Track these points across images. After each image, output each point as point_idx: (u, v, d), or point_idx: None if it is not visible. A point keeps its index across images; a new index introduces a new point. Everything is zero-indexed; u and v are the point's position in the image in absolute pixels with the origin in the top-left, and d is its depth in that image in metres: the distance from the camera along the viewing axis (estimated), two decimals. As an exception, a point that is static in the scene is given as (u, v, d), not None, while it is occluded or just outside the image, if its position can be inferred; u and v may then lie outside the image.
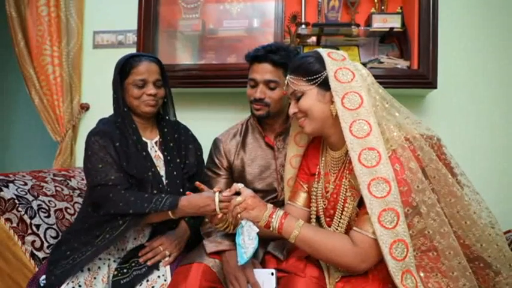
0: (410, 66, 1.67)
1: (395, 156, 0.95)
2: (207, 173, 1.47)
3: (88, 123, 2.07)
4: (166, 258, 1.26)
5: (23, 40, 2.02)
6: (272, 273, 1.09)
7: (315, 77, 1.02)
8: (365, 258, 0.94)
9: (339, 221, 1.07)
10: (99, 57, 2.08)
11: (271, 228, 1.01)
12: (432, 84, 1.60)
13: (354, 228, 0.97)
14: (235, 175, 1.44)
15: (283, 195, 1.30)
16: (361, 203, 0.97)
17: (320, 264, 1.09)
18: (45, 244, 1.33)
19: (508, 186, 1.74)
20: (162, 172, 1.35)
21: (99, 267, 1.21)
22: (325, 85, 1.01)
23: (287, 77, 1.08)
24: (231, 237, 1.23)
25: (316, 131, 1.07)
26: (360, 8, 1.83)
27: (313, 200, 1.15)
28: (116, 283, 1.18)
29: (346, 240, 0.96)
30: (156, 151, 1.39)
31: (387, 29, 1.71)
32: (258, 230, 1.02)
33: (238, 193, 1.06)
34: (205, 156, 1.54)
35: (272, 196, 1.40)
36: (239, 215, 1.03)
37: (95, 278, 1.18)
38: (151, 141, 1.40)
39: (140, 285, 1.19)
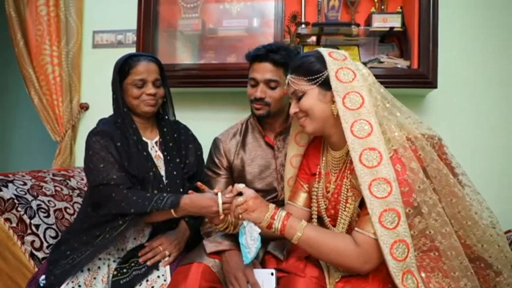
0: (411, 66, 1.66)
1: (397, 156, 0.95)
2: (207, 173, 1.47)
3: (87, 123, 2.07)
4: (166, 258, 1.26)
5: (22, 40, 2.01)
6: (272, 273, 1.09)
7: (316, 76, 1.01)
8: (368, 259, 0.94)
9: (341, 222, 1.07)
10: (99, 56, 2.08)
11: (273, 230, 1.01)
12: (432, 84, 1.60)
13: (356, 229, 0.97)
14: (235, 175, 1.44)
15: (283, 195, 1.30)
16: (362, 204, 0.97)
17: (320, 264, 1.09)
18: (45, 244, 1.33)
19: (508, 186, 1.74)
20: (163, 172, 1.35)
21: (98, 267, 1.21)
22: (326, 85, 1.01)
23: (288, 77, 1.08)
24: (231, 237, 1.23)
25: (317, 130, 1.06)
26: (360, 8, 1.83)
27: (314, 200, 1.15)
28: (116, 283, 1.18)
29: (349, 241, 0.96)
30: (156, 151, 1.38)
31: (387, 29, 1.71)
32: (259, 230, 1.02)
33: (240, 193, 1.05)
34: (205, 156, 1.54)
35: (272, 196, 1.40)
36: (240, 216, 1.02)
37: (94, 278, 1.18)
38: (152, 141, 1.39)
39: (140, 285, 1.19)
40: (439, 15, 1.60)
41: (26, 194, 1.37)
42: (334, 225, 1.09)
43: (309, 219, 1.17)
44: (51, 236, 1.36)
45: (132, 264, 1.23)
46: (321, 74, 1.01)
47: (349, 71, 1.00)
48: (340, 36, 1.82)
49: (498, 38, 1.77)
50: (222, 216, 1.09)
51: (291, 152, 1.25)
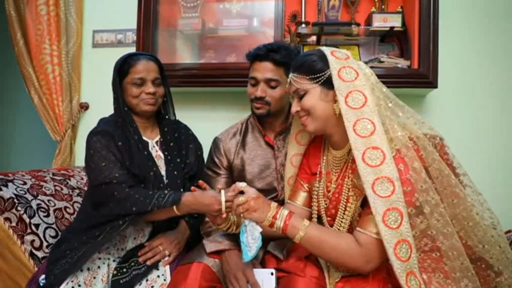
0: (411, 66, 1.66)
1: (400, 156, 0.95)
2: (207, 173, 1.47)
3: (87, 122, 2.07)
4: (166, 258, 1.26)
5: (22, 39, 2.01)
6: (272, 273, 1.09)
7: (318, 75, 1.01)
8: (370, 259, 0.94)
9: (341, 221, 1.06)
10: (99, 56, 2.08)
11: (274, 229, 1.00)
12: (432, 84, 1.60)
13: (358, 228, 0.97)
14: (235, 174, 1.44)
15: (284, 195, 1.29)
16: (364, 204, 0.97)
17: (320, 264, 1.09)
18: (45, 244, 1.33)
19: (508, 186, 1.74)
20: (163, 172, 1.35)
21: (98, 267, 1.21)
22: (328, 84, 1.00)
23: (290, 75, 1.08)
24: (231, 236, 1.23)
25: (318, 129, 1.06)
26: (360, 7, 1.83)
27: (314, 200, 1.15)
28: (116, 282, 1.18)
29: (351, 241, 0.96)
30: (157, 151, 1.38)
31: (387, 29, 1.71)
32: (261, 229, 1.01)
33: (242, 192, 1.05)
34: (205, 156, 1.54)
35: (272, 195, 1.40)
36: (242, 215, 1.02)
37: (94, 277, 1.18)
38: (152, 141, 1.39)
39: (140, 284, 1.19)
40: (440, 15, 1.60)
41: (25, 193, 1.37)
42: (333, 225, 1.09)
43: (309, 219, 1.17)
44: (51, 236, 1.36)
45: (132, 264, 1.23)
46: (323, 73, 1.01)
47: (351, 70, 1.00)
48: (341, 35, 1.82)
49: (498, 38, 1.77)
50: (224, 215, 1.08)
51: (291, 151, 1.24)
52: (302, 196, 1.19)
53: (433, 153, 0.95)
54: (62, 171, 1.68)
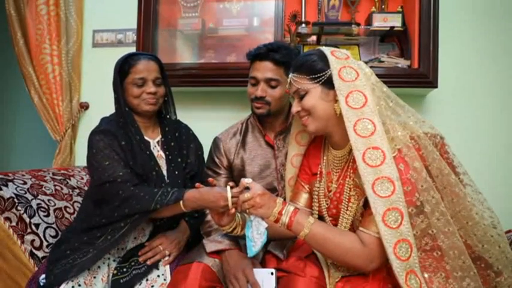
0: (411, 66, 1.66)
1: (400, 155, 0.95)
2: (207, 172, 1.47)
3: (87, 122, 2.07)
4: (166, 258, 1.26)
5: (22, 39, 2.01)
6: (272, 273, 1.09)
7: (318, 75, 1.01)
8: (373, 259, 0.94)
9: (343, 221, 1.06)
10: (99, 56, 2.08)
11: (280, 225, 1.00)
12: (433, 84, 1.60)
13: (361, 228, 0.97)
14: (235, 174, 1.44)
15: (284, 194, 1.29)
16: (367, 204, 0.97)
17: (320, 264, 1.09)
18: (45, 243, 1.33)
19: (508, 185, 1.74)
20: (164, 172, 1.35)
21: (98, 267, 1.21)
22: (328, 84, 1.00)
23: (290, 75, 1.08)
24: (231, 236, 1.23)
25: (319, 129, 1.06)
26: (360, 7, 1.83)
27: (315, 200, 1.15)
28: (116, 282, 1.18)
29: (355, 239, 0.96)
30: (158, 150, 1.38)
31: (387, 28, 1.71)
32: (266, 225, 1.02)
33: (248, 188, 1.04)
34: (206, 156, 1.53)
35: (272, 195, 1.40)
36: (247, 211, 1.02)
37: (94, 277, 1.18)
38: (154, 141, 1.39)
39: (140, 284, 1.19)
40: (440, 15, 1.60)
41: (26, 193, 1.37)
42: (336, 225, 1.09)
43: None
44: (51, 235, 1.36)
45: (132, 264, 1.23)
46: (323, 73, 1.01)
47: (352, 70, 1.00)
48: (341, 35, 1.82)
49: (498, 38, 1.77)
50: (232, 211, 1.06)
51: (291, 151, 1.24)
52: (304, 197, 1.19)
53: (434, 152, 0.95)
54: (62, 171, 1.68)
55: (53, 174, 1.60)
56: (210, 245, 1.23)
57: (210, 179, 1.16)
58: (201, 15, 1.87)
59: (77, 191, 1.60)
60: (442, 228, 0.92)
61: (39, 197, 1.40)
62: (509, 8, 1.77)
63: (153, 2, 1.79)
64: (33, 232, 1.31)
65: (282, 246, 1.21)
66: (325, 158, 1.15)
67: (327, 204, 1.12)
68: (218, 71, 1.76)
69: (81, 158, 2.07)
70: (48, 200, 1.43)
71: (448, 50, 1.75)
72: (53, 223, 1.39)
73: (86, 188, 1.64)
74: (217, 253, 1.22)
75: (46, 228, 1.36)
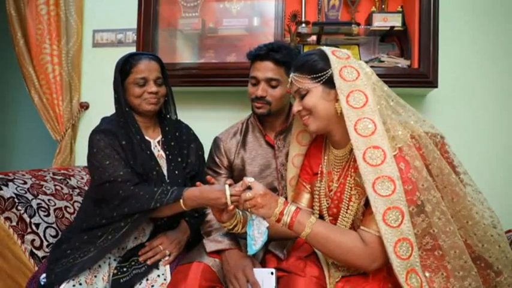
0: (411, 65, 1.66)
1: (401, 154, 0.95)
2: (208, 172, 1.46)
3: (88, 122, 2.07)
4: (166, 258, 1.26)
5: (22, 39, 2.01)
6: (272, 273, 1.08)
7: (319, 75, 1.01)
8: (376, 258, 0.94)
9: (343, 220, 1.06)
10: (99, 56, 2.08)
11: (281, 224, 1.00)
12: (433, 84, 1.60)
13: (362, 227, 0.97)
14: (236, 174, 1.44)
15: (284, 194, 1.29)
16: (368, 203, 0.97)
17: (320, 264, 1.09)
18: (45, 243, 1.33)
19: (508, 185, 1.74)
20: (165, 171, 1.35)
21: (99, 266, 1.21)
22: (329, 83, 1.00)
23: (291, 75, 1.08)
24: (231, 236, 1.23)
25: (320, 129, 1.06)
26: (360, 7, 1.83)
27: (316, 199, 1.15)
28: (116, 282, 1.18)
29: (356, 238, 0.96)
30: (159, 150, 1.38)
31: (388, 28, 1.71)
32: (267, 224, 1.02)
33: (250, 187, 1.04)
34: (206, 155, 1.54)
35: (272, 195, 1.40)
36: (249, 210, 1.02)
37: (95, 276, 1.18)
38: (154, 141, 1.39)
39: (140, 284, 1.19)
40: (440, 15, 1.60)
41: (26, 193, 1.37)
42: (335, 224, 1.09)
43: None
44: (51, 235, 1.36)
45: (133, 263, 1.23)
46: (324, 73, 1.01)
47: (352, 70, 1.00)
48: (341, 35, 1.82)
49: (498, 38, 1.77)
50: (231, 207, 1.06)
51: (292, 151, 1.24)
52: (306, 198, 1.19)
53: (434, 152, 0.95)
54: (62, 171, 1.68)
55: (53, 174, 1.60)
56: (210, 245, 1.23)
57: (209, 177, 1.16)
58: (201, 15, 1.87)
59: (77, 190, 1.61)
60: (443, 228, 0.92)
61: (39, 197, 1.40)
62: (509, 8, 1.77)
63: (153, 2, 1.79)
64: (33, 232, 1.31)
65: (282, 246, 1.21)
66: (326, 157, 1.15)
67: (328, 203, 1.12)
68: (218, 71, 1.76)
69: (81, 157, 2.07)
70: (49, 200, 1.43)
71: (448, 50, 1.75)
72: (53, 223, 1.39)
73: (86, 188, 1.64)
74: (218, 253, 1.22)
75: (46, 228, 1.36)
